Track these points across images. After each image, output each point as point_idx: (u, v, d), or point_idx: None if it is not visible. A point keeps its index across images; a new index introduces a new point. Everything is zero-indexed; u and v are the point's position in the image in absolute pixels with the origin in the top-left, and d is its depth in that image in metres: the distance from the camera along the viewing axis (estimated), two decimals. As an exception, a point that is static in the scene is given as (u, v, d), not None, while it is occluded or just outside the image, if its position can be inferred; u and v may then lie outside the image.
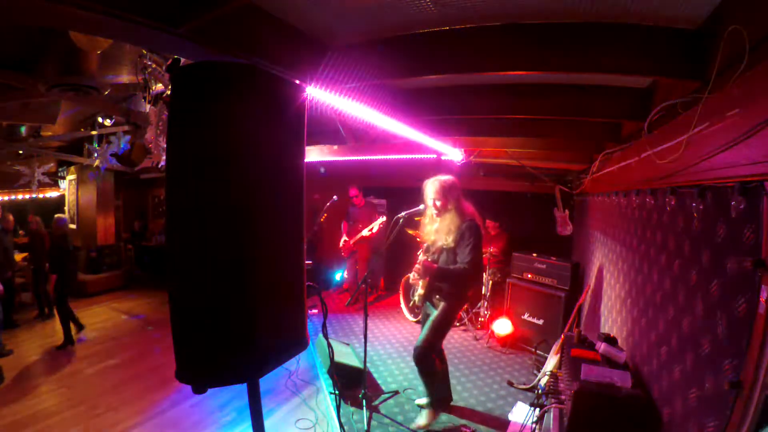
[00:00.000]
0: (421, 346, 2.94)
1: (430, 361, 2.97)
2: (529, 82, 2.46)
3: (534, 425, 2.47)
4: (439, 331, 2.96)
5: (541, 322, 4.58)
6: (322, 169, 4.94)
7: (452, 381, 3.59)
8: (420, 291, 3.12)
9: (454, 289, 2.94)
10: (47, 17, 1.18)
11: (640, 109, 2.27)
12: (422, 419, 3.05)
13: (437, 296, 3.01)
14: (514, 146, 3.76)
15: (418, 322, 5.09)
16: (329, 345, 2.10)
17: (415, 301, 3.24)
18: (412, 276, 3.11)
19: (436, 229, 3.00)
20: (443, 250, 2.97)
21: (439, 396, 3.07)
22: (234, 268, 1.08)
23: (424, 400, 3.32)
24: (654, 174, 2.01)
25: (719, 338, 1.43)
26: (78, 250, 7.62)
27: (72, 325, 4.76)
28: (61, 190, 8.44)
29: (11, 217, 5.26)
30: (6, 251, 4.97)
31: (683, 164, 1.62)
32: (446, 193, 2.92)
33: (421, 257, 2.97)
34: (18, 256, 6.13)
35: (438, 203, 2.94)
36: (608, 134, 2.98)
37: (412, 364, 3.08)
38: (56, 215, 4.86)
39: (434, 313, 2.99)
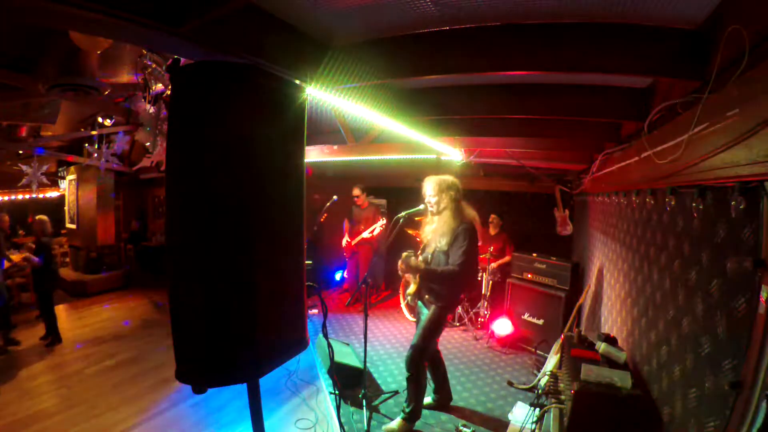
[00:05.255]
0: (412, 352, 2.92)
1: (420, 367, 2.93)
2: (529, 82, 2.46)
3: (534, 425, 2.47)
4: (430, 335, 2.93)
5: (541, 322, 4.58)
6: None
7: (452, 381, 3.59)
8: (411, 289, 3.11)
9: (443, 291, 2.90)
10: (47, 17, 1.18)
11: (640, 109, 2.27)
12: (393, 425, 2.99)
13: (427, 296, 2.99)
14: (514, 146, 3.76)
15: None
16: (329, 345, 2.10)
17: (408, 300, 3.24)
18: (406, 276, 3.09)
19: (433, 229, 2.99)
20: (437, 252, 2.95)
21: (417, 411, 2.99)
22: (234, 268, 1.08)
23: (428, 399, 3.32)
24: (654, 174, 2.01)
25: (719, 338, 1.43)
26: (79, 250, 7.64)
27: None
28: (61, 190, 8.44)
29: (6, 218, 5.26)
30: None
31: (683, 164, 1.62)
32: (442, 191, 2.90)
33: (404, 255, 2.91)
34: (17, 256, 6.12)
35: (433, 200, 2.93)
36: (608, 134, 2.98)
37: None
38: (38, 216, 4.97)
39: (425, 316, 2.97)
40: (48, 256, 4.84)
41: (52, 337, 4.74)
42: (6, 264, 4.95)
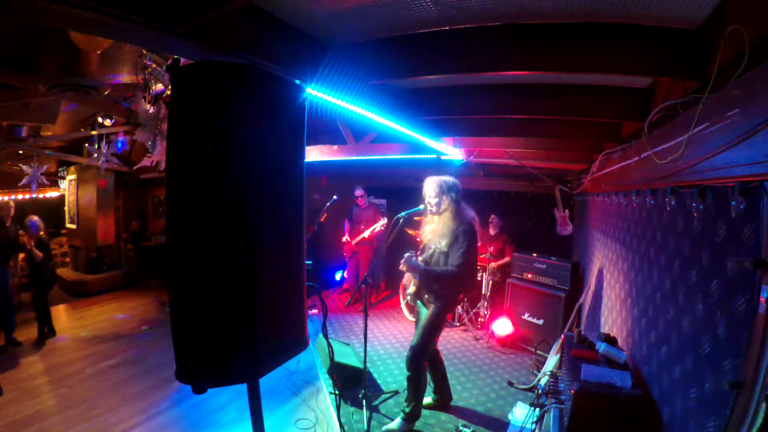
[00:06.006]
0: (412, 352, 2.92)
1: (420, 367, 2.94)
2: (529, 82, 2.46)
3: (534, 425, 2.47)
4: (429, 334, 2.93)
5: (541, 322, 4.58)
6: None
7: (452, 381, 3.59)
8: (411, 289, 3.11)
9: (443, 291, 2.90)
10: (47, 17, 1.18)
11: (640, 109, 2.27)
12: (393, 425, 2.99)
13: (427, 296, 2.99)
14: (514, 146, 3.77)
15: (418, 322, 5.08)
16: (329, 345, 2.10)
17: (408, 300, 3.24)
18: (406, 277, 3.10)
19: (433, 229, 2.99)
20: (436, 252, 2.95)
21: (416, 411, 2.99)
22: (234, 268, 1.08)
23: (428, 399, 3.32)
24: (654, 174, 2.01)
25: (719, 338, 1.43)
26: (79, 250, 7.63)
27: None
28: (61, 190, 8.43)
29: (12, 206, 5.28)
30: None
31: (683, 164, 1.62)
32: (443, 192, 2.90)
33: (406, 255, 2.92)
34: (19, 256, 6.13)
35: (434, 201, 2.93)
36: (608, 134, 2.98)
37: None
38: (29, 217, 5.02)
39: (424, 316, 2.98)
40: (47, 253, 4.87)
41: (47, 328, 4.84)
42: (21, 255, 5.00)
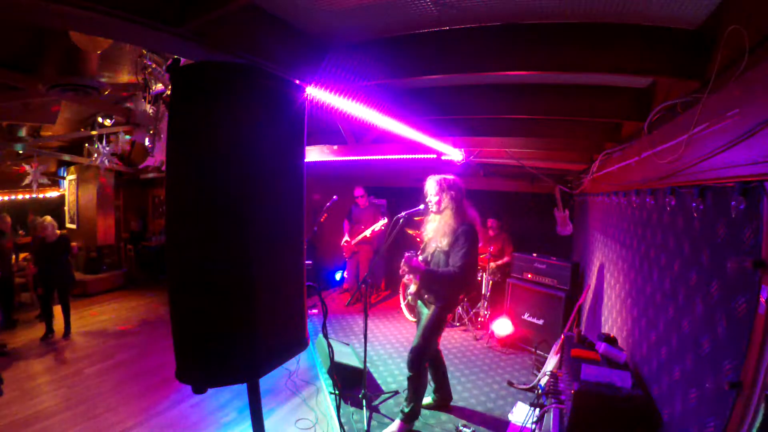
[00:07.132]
0: (413, 352, 2.92)
1: (421, 367, 2.94)
2: (529, 82, 2.46)
3: (534, 425, 2.47)
4: (430, 335, 2.94)
5: (541, 322, 4.58)
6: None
7: (452, 381, 3.59)
8: (412, 289, 3.12)
9: (443, 291, 2.91)
10: (47, 17, 1.18)
11: (640, 109, 2.27)
12: (393, 427, 2.99)
13: (427, 296, 2.99)
14: (514, 146, 3.76)
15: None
16: (329, 345, 2.10)
17: (408, 300, 3.24)
18: (406, 277, 3.10)
19: (434, 227, 2.99)
20: (437, 251, 2.96)
21: (416, 411, 2.99)
22: (234, 268, 1.08)
23: (428, 399, 3.32)
24: (654, 174, 2.01)
25: (719, 338, 1.43)
26: (79, 250, 7.63)
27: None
28: (61, 190, 8.43)
29: (8, 219, 5.29)
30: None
31: (683, 164, 1.62)
32: (444, 191, 2.91)
33: (407, 255, 2.92)
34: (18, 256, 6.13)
35: (435, 200, 2.93)
36: (608, 134, 2.98)
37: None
38: (38, 219, 5.11)
39: (425, 316, 2.98)
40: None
41: (47, 328, 4.87)
42: (22, 255, 5.04)
